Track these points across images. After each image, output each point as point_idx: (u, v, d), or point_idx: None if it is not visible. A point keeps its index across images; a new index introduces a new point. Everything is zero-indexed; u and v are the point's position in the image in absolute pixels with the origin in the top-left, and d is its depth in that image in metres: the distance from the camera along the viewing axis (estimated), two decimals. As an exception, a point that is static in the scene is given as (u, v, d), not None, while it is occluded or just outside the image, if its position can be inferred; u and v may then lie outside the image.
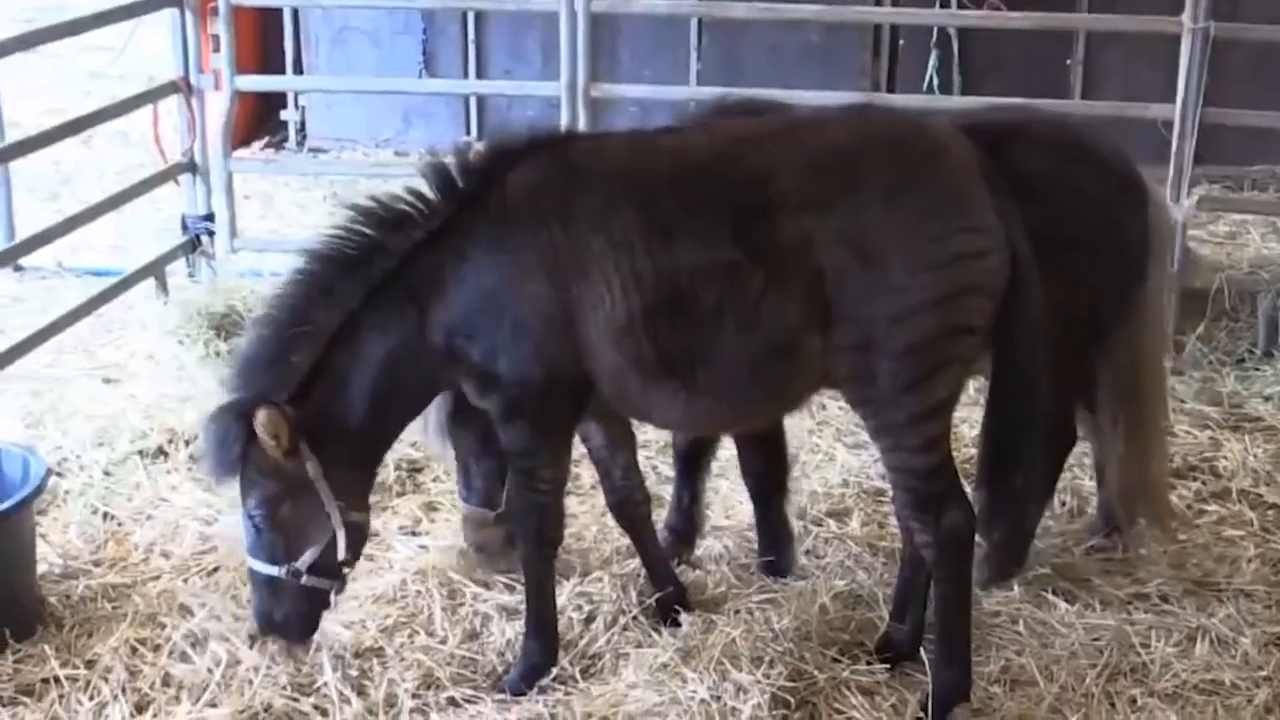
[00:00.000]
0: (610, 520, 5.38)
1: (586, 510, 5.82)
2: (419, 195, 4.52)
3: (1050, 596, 5.26)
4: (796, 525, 5.73)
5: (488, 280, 4.42)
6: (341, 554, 4.58)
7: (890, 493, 5.77)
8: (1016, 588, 5.29)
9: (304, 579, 4.54)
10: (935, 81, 9.50)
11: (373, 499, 5.91)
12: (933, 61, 9.42)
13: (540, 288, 4.38)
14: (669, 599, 5.07)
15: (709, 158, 4.42)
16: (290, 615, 4.61)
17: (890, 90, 9.58)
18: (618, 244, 4.34)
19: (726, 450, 6.41)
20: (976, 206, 4.31)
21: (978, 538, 4.64)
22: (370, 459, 4.70)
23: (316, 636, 4.83)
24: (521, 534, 4.76)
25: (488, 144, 4.74)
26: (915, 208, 4.26)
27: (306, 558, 4.52)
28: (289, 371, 4.48)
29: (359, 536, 4.66)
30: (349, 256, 4.51)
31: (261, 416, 4.34)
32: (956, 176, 4.35)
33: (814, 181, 4.27)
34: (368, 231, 4.51)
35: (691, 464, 5.53)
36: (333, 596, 4.66)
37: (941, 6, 9.29)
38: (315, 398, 4.48)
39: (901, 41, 9.67)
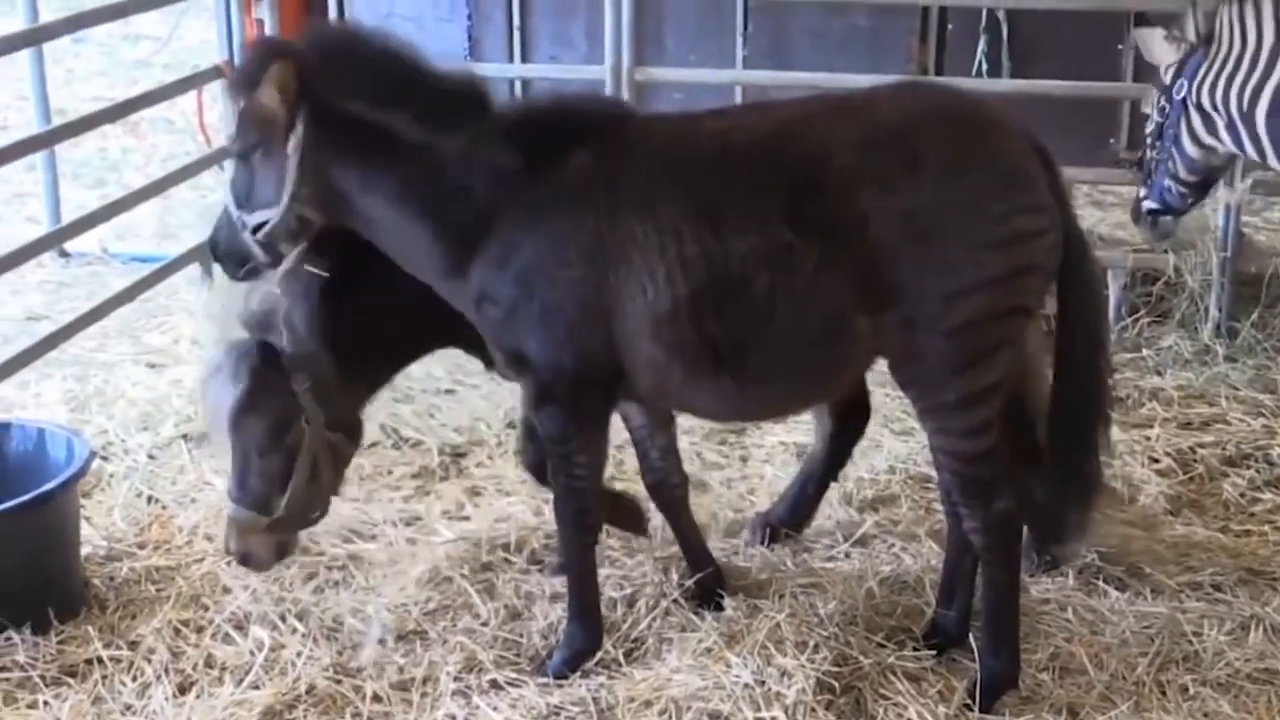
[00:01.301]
0: (652, 504, 5.33)
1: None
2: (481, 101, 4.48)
3: (1100, 584, 5.19)
4: (844, 512, 5.70)
5: (522, 255, 4.35)
6: (276, 231, 4.50)
7: (937, 478, 5.76)
8: (1069, 575, 5.21)
9: (245, 234, 4.52)
10: (984, 66, 9.40)
11: (416, 484, 6.02)
12: (981, 45, 9.32)
13: (577, 272, 4.32)
14: (709, 581, 5.02)
15: (761, 139, 4.34)
16: (230, 255, 4.63)
17: (939, 75, 9.48)
18: (665, 230, 4.26)
19: (772, 436, 6.40)
20: (1035, 184, 4.25)
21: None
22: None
23: (358, 621, 4.88)
24: (561, 521, 4.71)
25: (553, 107, 4.66)
26: (976, 185, 4.19)
27: (257, 217, 4.48)
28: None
29: (301, 228, 4.52)
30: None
31: (277, 66, 4.35)
32: (1014, 154, 4.28)
33: (871, 159, 4.19)
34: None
35: None
36: (264, 271, 4.62)
37: (990, -13, 9.19)
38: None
39: (950, 26, 9.57)
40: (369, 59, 4.45)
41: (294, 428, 4.69)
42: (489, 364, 5.08)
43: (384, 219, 4.48)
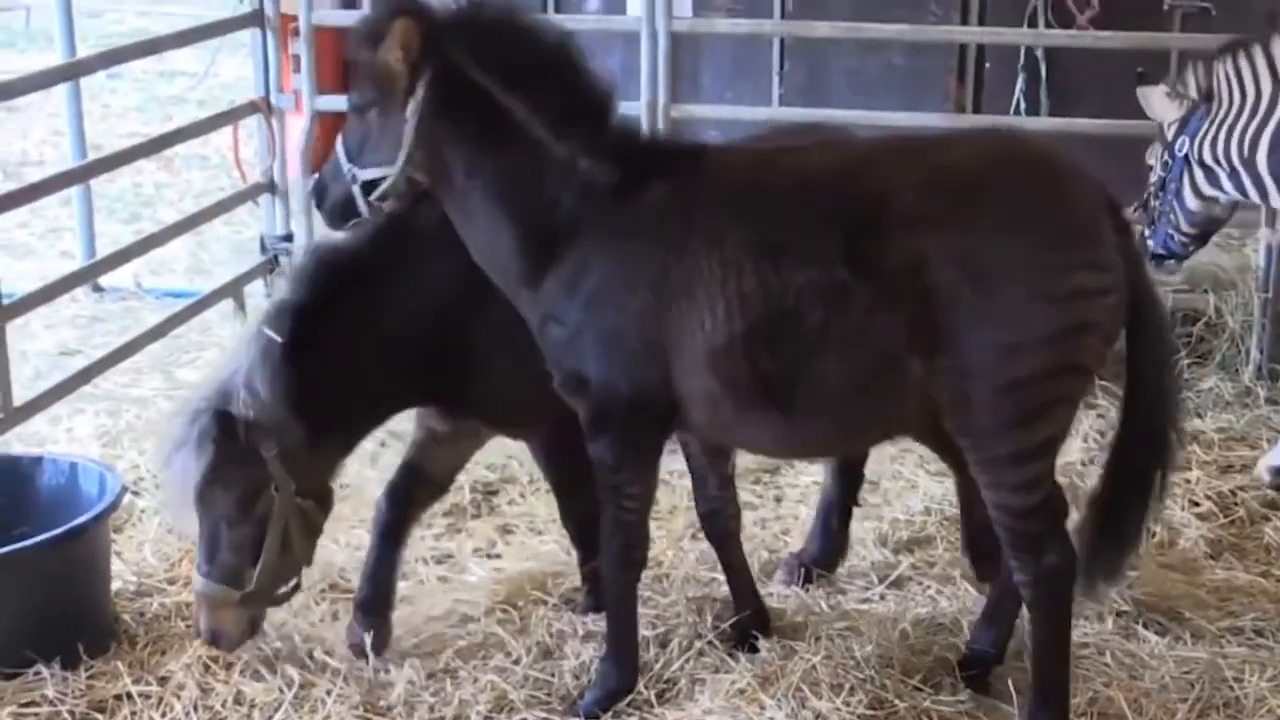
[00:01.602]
0: (687, 544, 5.28)
1: (663, 535, 5.73)
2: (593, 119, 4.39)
3: (1140, 629, 5.11)
4: (879, 553, 5.64)
5: (592, 278, 4.32)
6: (387, 191, 4.42)
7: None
8: (1108, 619, 5.14)
9: (355, 188, 4.45)
10: (1022, 105, 9.37)
11: (448, 522, 5.98)
12: (1019, 84, 9.30)
13: (641, 303, 4.29)
14: (748, 622, 4.96)
15: (828, 175, 4.32)
16: (335, 207, 4.55)
17: (977, 114, 9.46)
18: (728, 264, 4.22)
19: (806, 476, 6.35)
20: (1101, 241, 4.18)
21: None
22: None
23: (389, 660, 4.84)
24: (606, 554, 4.66)
25: (642, 134, 4.59)
26: (1038, 236, 4.12)
27: (368, 173, 4.42)
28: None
29: (409, 189, 4.45)
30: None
31: (401, 23, 4.25)
32: (1083, 208, 4.21)
33: (933, 202, 4.13)
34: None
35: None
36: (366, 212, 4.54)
37: (1029, 26, 9.16)
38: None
39: (988, 64, 9.55)
40: (513, 36, 4.36)
41: (263, 496, 4.55)
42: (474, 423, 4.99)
43: (477, 209, 4.40)
